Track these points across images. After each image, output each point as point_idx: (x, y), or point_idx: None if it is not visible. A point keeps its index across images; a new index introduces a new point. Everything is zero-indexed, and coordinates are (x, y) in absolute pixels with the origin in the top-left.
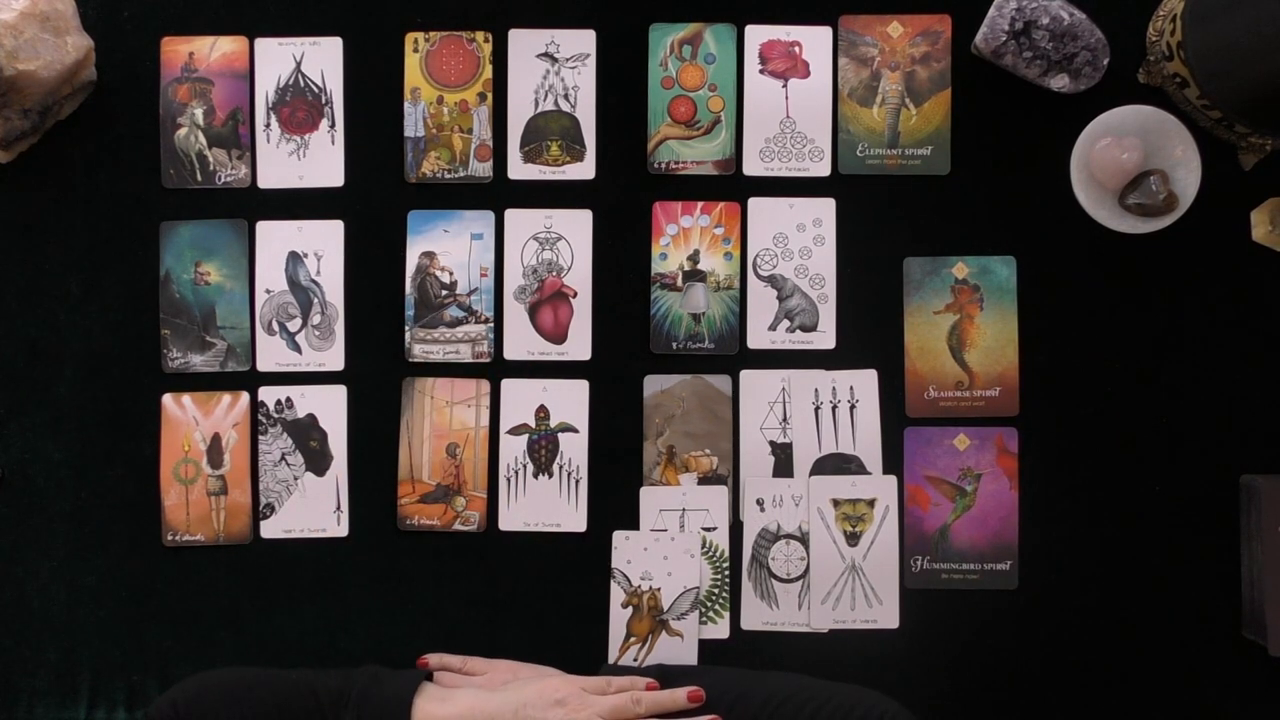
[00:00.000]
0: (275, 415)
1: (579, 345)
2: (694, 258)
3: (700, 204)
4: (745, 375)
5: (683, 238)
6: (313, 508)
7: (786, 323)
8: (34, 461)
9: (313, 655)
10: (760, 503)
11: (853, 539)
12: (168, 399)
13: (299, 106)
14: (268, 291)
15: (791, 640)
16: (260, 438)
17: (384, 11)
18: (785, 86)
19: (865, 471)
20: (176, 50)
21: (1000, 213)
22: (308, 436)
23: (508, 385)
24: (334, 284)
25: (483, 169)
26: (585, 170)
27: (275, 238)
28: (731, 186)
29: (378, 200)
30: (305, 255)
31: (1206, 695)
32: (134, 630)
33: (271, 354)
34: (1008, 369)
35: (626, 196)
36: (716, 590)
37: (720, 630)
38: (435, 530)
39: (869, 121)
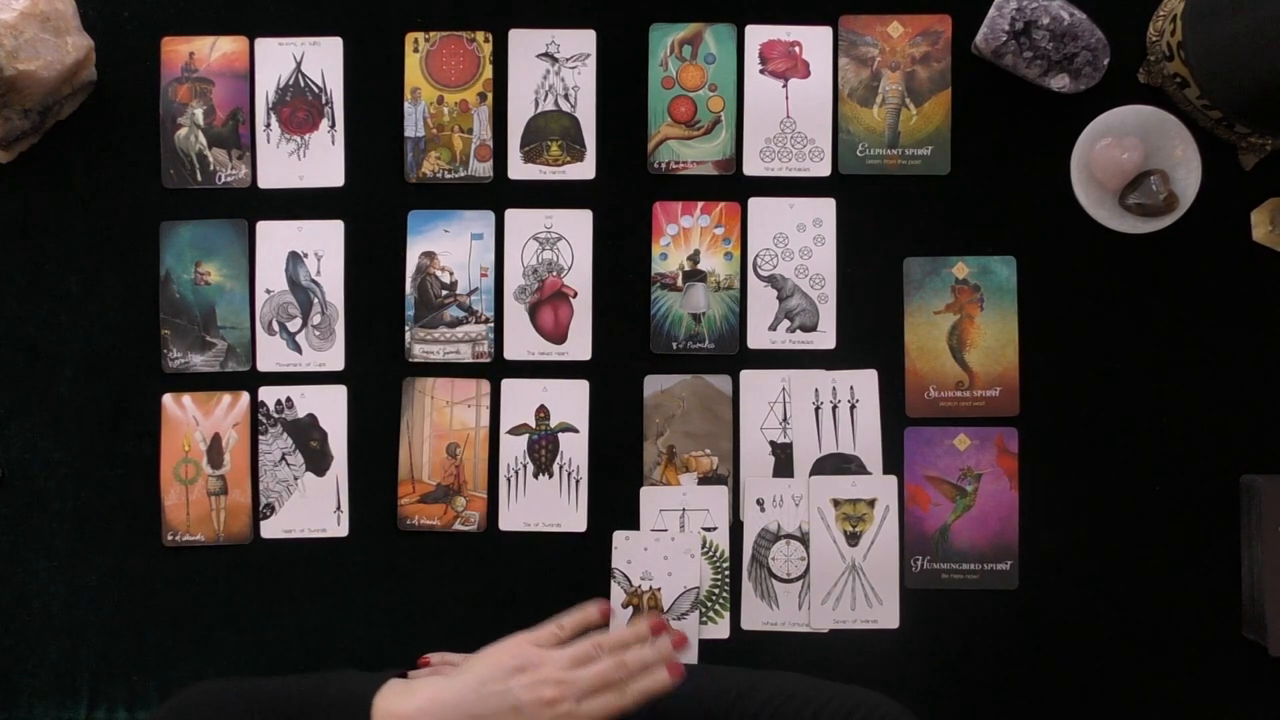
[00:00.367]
0: (275, 415)
1: (579, 345)
2: (694, 258)
3: (700, 204)
4: (745, 375)
5: (683, 238)
6: (313, 508)
7: (787, 323)
8: (34, 461)
9: (313, 655)
10: (760, 503)
11: (853, 539)
12: (168, 399)
13: (299, 106)
14: (268, 291)
15: (792, 640)
16: (260, 438)
17: (384, 11)
18: (785, 86)
19: (865, 471)
20: (177, 50)
21: (1000, 213)
22: (308, 436)
23: (508, 385)
24: (334, 284)
25: (483, 169)
26: (585, 170)
27: (275, 238)
28: (732, 186)
29: (378, 200)
30: (305, 255)
31: (1206, 695)
32: (134, 630)
33: (271, 354)
34: (1008, 369)
35: (626, 196)
36: (717, 590)
37: (720, 630)
38: (435, 530)
39: (869, 121)
